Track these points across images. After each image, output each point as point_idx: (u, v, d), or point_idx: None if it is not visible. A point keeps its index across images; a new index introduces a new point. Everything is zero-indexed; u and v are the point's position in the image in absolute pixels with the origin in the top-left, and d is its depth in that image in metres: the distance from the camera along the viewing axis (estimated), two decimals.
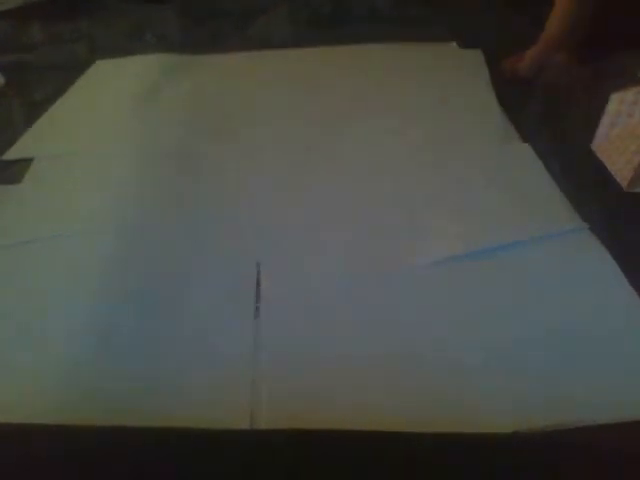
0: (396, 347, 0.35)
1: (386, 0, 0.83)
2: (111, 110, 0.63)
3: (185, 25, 0.83)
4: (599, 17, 0.58)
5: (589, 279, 0.39)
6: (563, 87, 0.59)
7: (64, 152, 0.56)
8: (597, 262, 0.40)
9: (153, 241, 0.44)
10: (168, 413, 0.32)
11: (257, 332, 0.36)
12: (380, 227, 0.44)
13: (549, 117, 0.55)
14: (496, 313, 0.37)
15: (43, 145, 0.57)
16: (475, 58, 0.67)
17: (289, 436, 0.30)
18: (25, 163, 0.54)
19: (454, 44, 0.71)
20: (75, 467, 0.29)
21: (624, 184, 0.45)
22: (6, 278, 0.42)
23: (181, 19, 0.84)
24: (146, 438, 0.30)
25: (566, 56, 0.64)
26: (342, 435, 0.29)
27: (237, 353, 0.35)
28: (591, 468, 0.28)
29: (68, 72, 0.70)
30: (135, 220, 0.46)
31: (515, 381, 0.33)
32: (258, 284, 0.40)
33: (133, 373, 0.34)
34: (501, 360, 0.34)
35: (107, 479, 0.28)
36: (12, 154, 0.56)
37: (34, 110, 0.63)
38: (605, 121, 0.47)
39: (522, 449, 0.29)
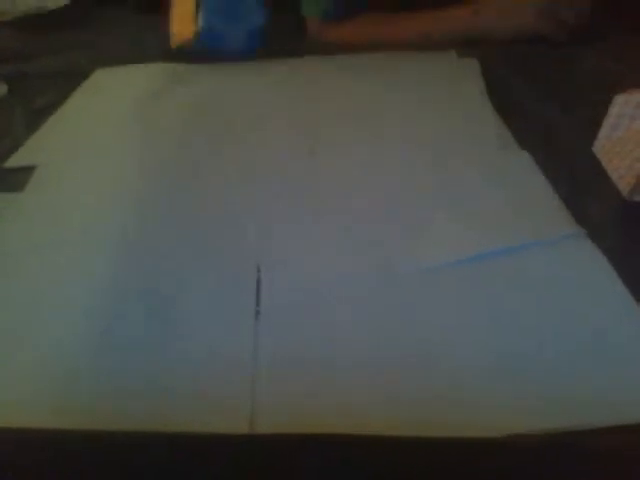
0: (396, 349, 0.35)
1: None
2: (112, 118, 0.64)
3: None
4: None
5: (586, 284, 0.39)
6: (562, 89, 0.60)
7: (66, 160, 0.56)
8: (593, 267, 0.40)
9: (154, 245, 0.44)
10: (168, 415, 0.32)
11: (257, 335, 0.36)
12: (380, 230, 0.44)
13: (547, 124, 0.56)
14: (494, 317, 0.37)
15: (45, 153, 0.57)
16: (471, 66, 0.68)
17: (289, 441, 0.30)
18: (27, 171, 0.54)
19: (453, 52, 0.72)
20: (72, 471, 0.29)
21: (625, 191, 0.45)
22: (8, 284, 0.42)
23: None
24: (144, 442, 0.30)
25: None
26: (342, 439, 0.29)
27: (237, 356, 0.35)
28: (589, 472, 0.28)
29: (69, 81, 0.71)
30: (136, 225, 0.46)
31: (513, 384, 0.33)
32: (258, 286, 0.40)
33: (132, 375, 0.34)
34: (498, 363, 0.34)
35: None
36: (14, 162, 0.56)
37: (36, 118, 0.63)
38: (607, 124, 0.47)
39: (520, 452, 0.29)
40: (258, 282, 0.40)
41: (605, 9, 0.65)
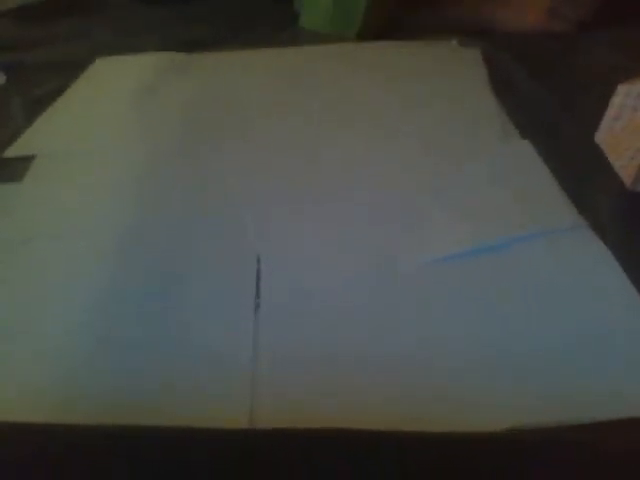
0: (396, 344, 0.35)
1: None
2: (111, 108, 0.63)
3: (184, 24, 0.83)
4: None
5: (588, 275, 0.38)
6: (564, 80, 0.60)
7: (65, 150, 0.56)
8: (596, 259, 0.39)
9: (153, 237, 0.44)
10: (167, 411, 0.32)
11: (257, 331, 0.36)
12: (381, 225, 0.44)
13: (549, 114, 0.55)
14: (495, 311, 0.37)
15: (44, 143, 0.57)
16: (473, 56, 0.67)
17: (288, 436, 0.30)
18: (26, 161, 0.54)
19: (455, 42, 0.71)
20: (72, 465, 0.29)
21: (628, 182, 0.44)
22: (6, 275, 0.42)
23: (180, 18, 0.84)
24: (145, 436, 0.30)
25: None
26: (341, 434, 0.29)
27: (237, 351, 0.35)
28: (589, 465, 0.28)
29: (69, 70, 0.70)
30: (135, 217, 0.46)
31: (514, 379, 0.33)
32: (258, 279, 0.40)
33: (132, 371, 0.34)
34: (500, 358, 0.34)
35: (104, 476, 0.29)
36: (13, 151, 0.56)
37: (35, 108, 0.63)
38: (610, 114, 0.47)
39: (520, 446, 0.29)
40: (258, 275, 0.40)
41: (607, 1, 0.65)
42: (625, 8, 0.64)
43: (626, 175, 0.45)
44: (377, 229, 0.43)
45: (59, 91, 0.66)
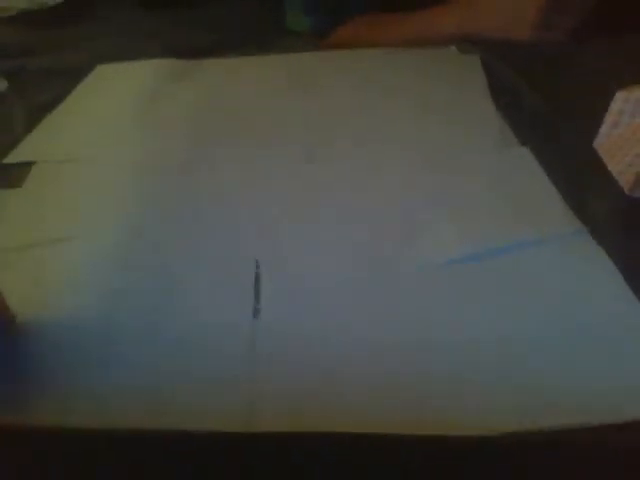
0: (395, 348, 0.35)
1: None
2: (113, 115, 0.63)
3: (186, 31, 0.83)
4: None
5: (587, 282, 0.39)
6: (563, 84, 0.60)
7: (65, 156, 0.56)
8: (596, 265, 0.40)
9: (153, 243, 0.44)
10: (166, 413, 0.32)
11: (256, 332, 0.36)
12: (380, 228, 0.44)
13: (547, 119, 0.56)
14: (495, 315, 0.37)
15: (44, 149, 0.57)
16: (472, 63, 0.68)
17: (287, 439, 0.30)
18: (26, 167, 0.54)
19: (454, 48, 0.71)
20: (69, 469, 0.29)
21: (626, 188, 0.45)
22: (7, 281, 0.42)
23: (182, 25, 0.85)
24: (142, 440, 0.30)
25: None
26: (341, 437, 0.29)
27: (236, 354, 0.35)
28: (591, 467, 0.28)
29: (70, 77, 0.70)
30: (136, 223, 0.46)
31: (514, 382, 0.33)
32: (257, 283, 0.40)
33: (131, 373, 0.34)
34: (500, 361, 0.34)
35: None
36: (13, 158, 0.56)
37: (36, 114, 0.63)
38: (608, 120, 0.47)
39: (522, 449, 0.29)
40: (257, 280, 0.40)
41: (605, 7, 0.65)
42: (619, 15, 0.64)
43: (624, 181, 0.45)
44: (376, 233, 0.44)
45: (60, 97, 0.66)
